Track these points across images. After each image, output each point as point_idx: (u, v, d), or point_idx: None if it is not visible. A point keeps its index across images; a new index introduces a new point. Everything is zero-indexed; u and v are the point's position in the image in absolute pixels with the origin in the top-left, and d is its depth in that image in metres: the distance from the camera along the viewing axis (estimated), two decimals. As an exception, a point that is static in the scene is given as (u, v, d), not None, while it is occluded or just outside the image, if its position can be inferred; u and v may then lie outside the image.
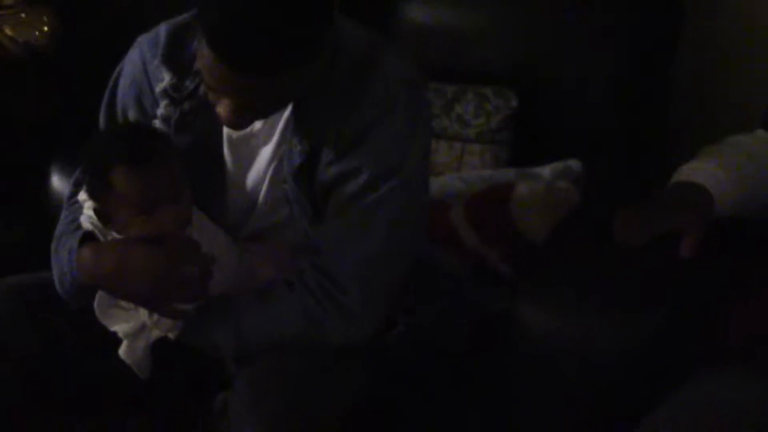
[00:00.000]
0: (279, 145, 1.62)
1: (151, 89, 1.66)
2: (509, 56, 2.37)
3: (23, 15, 2.25)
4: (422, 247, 1.72)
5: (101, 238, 1.57)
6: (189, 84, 1.64)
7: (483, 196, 2.13)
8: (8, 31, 2.24)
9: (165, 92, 1.65)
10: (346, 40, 1.58)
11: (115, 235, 1.55)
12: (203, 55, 1.43)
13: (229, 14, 1.38)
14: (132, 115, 1.69)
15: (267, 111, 1.54)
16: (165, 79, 1.64)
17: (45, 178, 2.27)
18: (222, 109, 1.49)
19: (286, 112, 1.60)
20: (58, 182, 2.22)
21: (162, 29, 1.68)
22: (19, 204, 2.33)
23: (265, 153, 1.64)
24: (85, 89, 1.92)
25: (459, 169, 2.28)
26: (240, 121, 1.52)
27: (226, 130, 1.65)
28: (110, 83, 1.73)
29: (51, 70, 2.31)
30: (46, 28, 2.28)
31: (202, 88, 1.62)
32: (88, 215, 1.58)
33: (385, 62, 1.58)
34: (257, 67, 1.40)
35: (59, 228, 1.67)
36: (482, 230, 2.08)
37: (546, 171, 2.19)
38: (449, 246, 2.07)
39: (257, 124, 1.62)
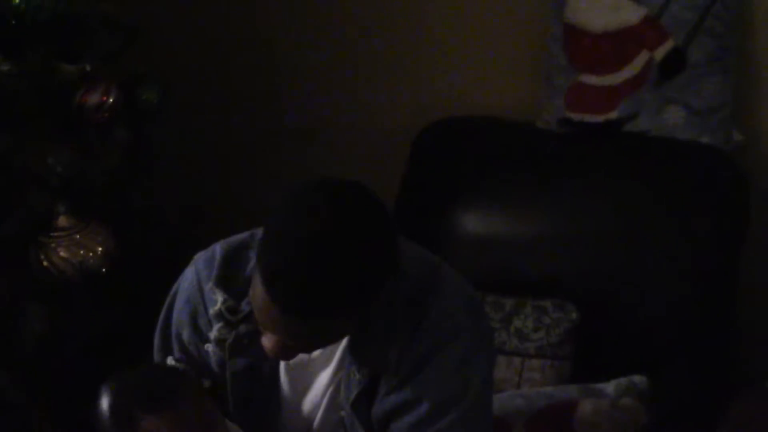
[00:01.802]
0: (337, 371, 1.59)
1: (206, 310, 1.65)
2: (568, 267, 2.33)
3: (78, 236, 2.27)
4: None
5: None
6: (245, 306, 1.62)
7: (545, 415, 2.06)
8: (63, 253, 2.25)
9: (220, 314, 1.63)
10: (406, 264, 1.55)
11: None
12: (256, 292, 1.41)
13: (289, 259, 1.36)
14: (186, 335, 1.68)
15: (315, 348, 1.51)
16: (218, 301, 1.63)
17: (96, 399, 2.23)
18: (268, 342, 1.46)
19: (345, 339, 1.57)
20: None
21: (217, 249, 1.67)
22: (71, 424, 2.29)
23: (323, 378, 1.61)
24: (139, 309, 1.91)
25: (519, 385, 2.21)
26: (285, 356, 1.49)
27: None
28: (167, 302, 1.72)
29: (105, 289, 2.31)
30: (100, 249, 2.29)
31: None
32: None
33: (445, 287, 1.56)
34: (312, 313, 1.38)
35: None
36: (546, 451, 2.00)
37: (610, 387, 2.11)
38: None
39: (315, 351, 1.58)
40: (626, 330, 2.27)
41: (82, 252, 2.27)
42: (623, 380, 2.12)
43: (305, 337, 1.43)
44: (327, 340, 1.49)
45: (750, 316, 2.38)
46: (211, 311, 1.63)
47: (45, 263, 2.26)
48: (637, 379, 2.12)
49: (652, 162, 2.34)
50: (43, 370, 2.25)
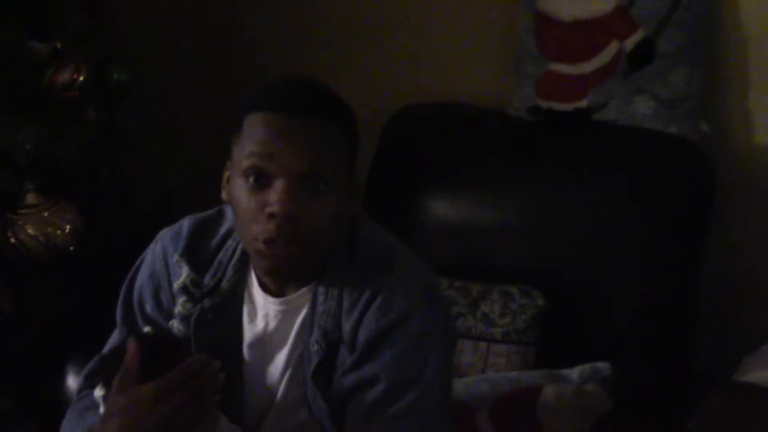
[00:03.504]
0: (295, 346, 1.61)
1: (170, 284, 1.67)
2: (535, 254, 2.34)
3: (46, 214, 2.27)
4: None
5: None
6: (209, 280, 1.64)
7: (509, 400, 2.07)
8: (30, 230, 2.25)
9: (184, 288, 1.64)
10: (364, 237, 1.60)
11: None
12: (254, 132, 1.50)
13: (284, 78, 1.58)
14: (148, 308, 1.69)
15: (314, 206, 1.50)
16: (183, 274, 1.64)
17: (61, 375, 2.23)
18: (275, 191, 1.47)
19: (302, 313, 1.59)
20: (73, 380, 2.18)
21: (185, 223, 1.70)
22: (34, 400, 2.29)
23: (282, 355, 1.63)
24: (105, 288, 1.91)
25: (484, 370, 2.22)
26: (293, 206, 1.48)
27: (245, 329, 1.64)
28: (129, 275, 1.73)
29: (71, 267, 2.31)
30: (68, 227, 2.29)
31: (224, 283, 1.63)
32: None
33: (404, 265, 1.58)
34: (313, 105, 1.52)
35: (66, 426, 1.66)
36: (508, 435, 2.01)
37: (574, 373, 2.12)
38: (475, 451, 2.00)
39: (272, 323, 1.60)
40: (591, 317, 2.28)
41: (49, 230, 2.28)
42: (587, 366, 2.13)
43: (308, 153, 1.48)
44: (325, 175, 1.50)
45: (712, 307, 2.40)
46: (176, 285, 1.65)
47: (12, 240, 2.26)
48: (601, 365, 2.13)
49: (620, 151, 2.35)
50: (6, 348, 2.24)
